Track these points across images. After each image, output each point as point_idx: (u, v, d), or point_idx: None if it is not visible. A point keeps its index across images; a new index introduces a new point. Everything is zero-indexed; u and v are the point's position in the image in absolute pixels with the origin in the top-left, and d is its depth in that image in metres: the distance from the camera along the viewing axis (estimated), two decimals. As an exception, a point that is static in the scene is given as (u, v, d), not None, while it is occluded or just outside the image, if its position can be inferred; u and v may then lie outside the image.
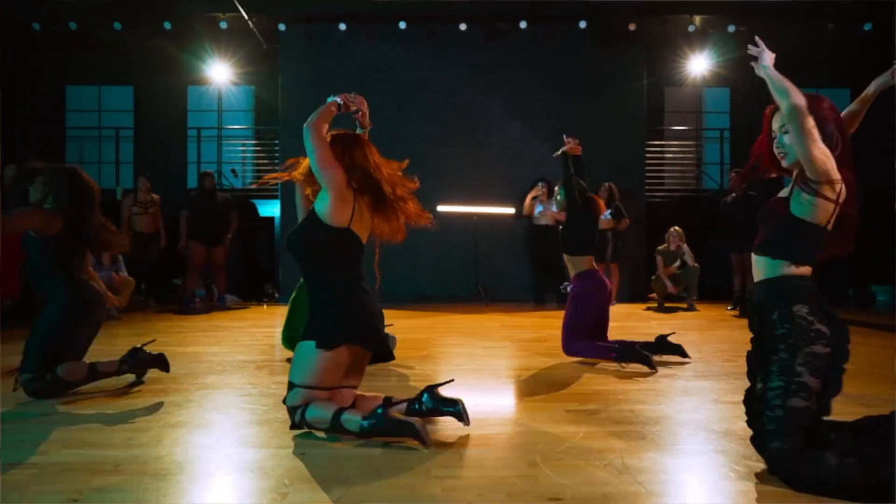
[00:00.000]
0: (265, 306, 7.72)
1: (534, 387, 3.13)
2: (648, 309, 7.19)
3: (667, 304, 7.25)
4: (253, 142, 9.64)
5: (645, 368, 3.55)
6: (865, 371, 3.52)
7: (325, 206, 2.26)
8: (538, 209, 7.77)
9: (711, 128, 9.55)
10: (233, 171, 9.16)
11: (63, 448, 2.14)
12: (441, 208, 7.80)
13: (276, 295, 8.22)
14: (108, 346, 3.81)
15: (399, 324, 4.76)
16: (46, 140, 9.33)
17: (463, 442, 2.20)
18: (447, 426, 2.36)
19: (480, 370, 3.59)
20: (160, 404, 2.72)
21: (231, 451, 2.12)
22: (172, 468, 1.94)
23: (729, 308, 6.99)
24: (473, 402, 2.80)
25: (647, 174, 8.74)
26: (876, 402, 2.82)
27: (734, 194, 7.07)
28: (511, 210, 7.90)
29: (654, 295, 7.43)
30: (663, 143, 9.21)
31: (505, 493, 1.75)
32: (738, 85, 9.51)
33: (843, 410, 2.61)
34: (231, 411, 2.65)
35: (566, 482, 1.83)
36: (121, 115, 9.63)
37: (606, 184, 7.62)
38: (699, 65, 9.09)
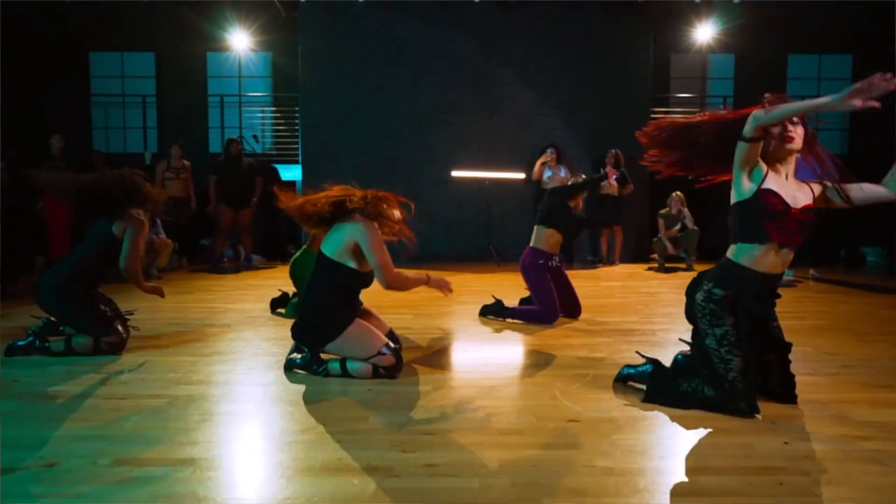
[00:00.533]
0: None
1: (548, 338, 3.62)
2: (650, 269, 7.66)
3: (667, 265, 7.71)
4: (272, 108, 9.95)
5: (646, 324, 4.05)
6: (838, 326, 4.01)
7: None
8: (547, 174, 8.14)
9: (716, 95, 9.81)
10: (254, 136, 9.52)
11: (178, 384, 2.65)
12: (455, 173, 8.21)
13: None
14: (151, 303, 4.22)
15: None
16: (72, 106, 9.67)
17: (496, 384, 2.71)
18: (486, 372, 2.87)
19: (501, 324, 4.08)
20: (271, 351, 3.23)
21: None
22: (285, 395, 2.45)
23: (725, 269, 7.46)
24: (497, 352, 3.31)
25: (653, 140, 9.07)
26: (841, 351, 3.31)
27: (734, 161, 7.44)
28: (521, 175, 8.28)
29: (654, 256, 7.89)
30: (667, 109, 9.50)
31: (535, 416, 2.26)
32: (742, 52, 9.75)
33: (809, 357, 3.11)
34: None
35: (581, 409, 2.34)
36: (143, 82, 9.94)
37: (613, 150, 7.99)
38: (705, 32, 9.32)
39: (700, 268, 7.59)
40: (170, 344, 3.39)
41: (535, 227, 4.23)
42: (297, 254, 4.47)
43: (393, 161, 8.53)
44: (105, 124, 10.05)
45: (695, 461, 1.87)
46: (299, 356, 2.86)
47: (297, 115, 9.19)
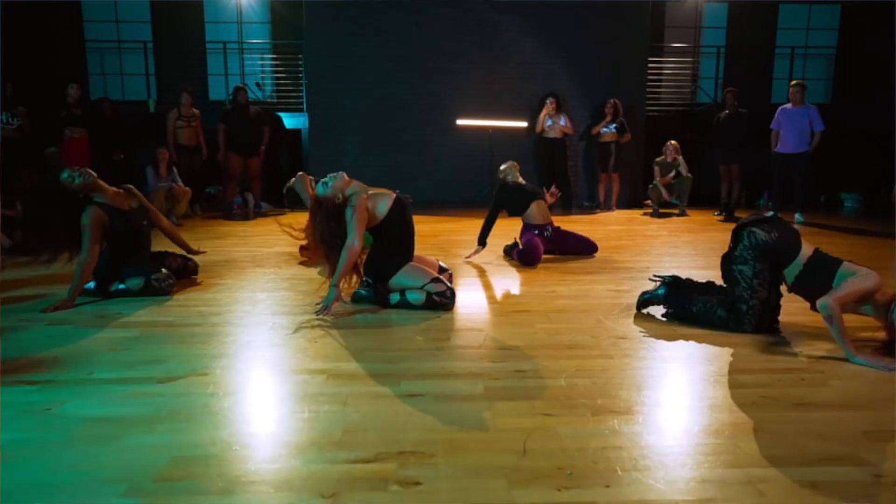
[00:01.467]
0: (298, 211, 8.45)
1: (576, 274, 4.02)
2: (645, 214, 8.09)
3: (661, 210, 8.15)
4: (272, 56, 9.93)
5: (658, 262, 4.48)
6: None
7: None
8: (548, 123, 8.42)
9: (708, 45, 10.06)
10: (257, 84, 9.55)
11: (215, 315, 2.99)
12: (460, 122, 8.43)
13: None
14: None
15: (424, 228, 5.27)
16: (66, 52, 9.53)
17: (545, 312, 3.11)
18: (531, 304, 3.27)
19: (527, 269, 4.46)
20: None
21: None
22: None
23: (716, 213, 7.92)
24: (534, 288, 3.69)
25: (647, 89, 9.35)
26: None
27: (727, 111, 7.80)
28: (523, 123, 8.54)
29: (649, 202, 8.31)
30: (662, 59, 9.74)
31: (589, 335, 2.67)
32: (736, 1, 9.96)
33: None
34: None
35: (623, 330, 2.75)
36: (139, 27, 9.80)
37: (612, 100, 8.26)
38: (701, -20, 9.50)
39: (692, 213, 8.11)
40: (235, 281, 3.70)
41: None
42: None
43: (398, 109, 8.70)
44: (102, 71, 9.95)
45: (731, 363, 2.30)
46: (364, 290, 3.23)
47: (299, 62, 9.22)
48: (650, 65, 9.42)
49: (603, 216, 7.91)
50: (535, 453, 1.61)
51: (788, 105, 7.02)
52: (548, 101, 8.36)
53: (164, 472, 1.51)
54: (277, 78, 9.92)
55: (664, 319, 2.89)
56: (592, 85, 8.71)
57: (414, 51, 8.61)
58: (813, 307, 2.52)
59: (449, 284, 3.17)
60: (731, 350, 2.46)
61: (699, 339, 2.59)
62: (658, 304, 2.98)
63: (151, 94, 9.43)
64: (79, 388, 2.03)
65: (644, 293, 3.07)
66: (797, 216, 7.03)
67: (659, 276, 3.05)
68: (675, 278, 3.02)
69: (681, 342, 2.56)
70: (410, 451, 1.62)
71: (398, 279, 3.15)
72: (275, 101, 9.74)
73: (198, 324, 2.83)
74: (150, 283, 3.36)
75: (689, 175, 8.12)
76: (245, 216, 7.80)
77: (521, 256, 4.40)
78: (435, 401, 1.95)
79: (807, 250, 2.63)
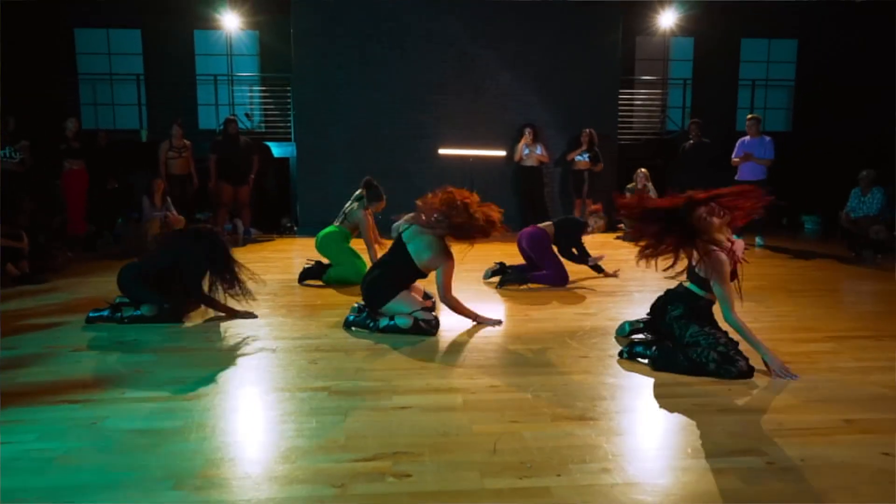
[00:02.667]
0: (286, 237, 8.80)
1: (544, 300, 4.42)
2: (618, 238, 8.56)
3: (633, 234, 8.63)
4: (260, 87, 10.33)
5: (624, 285, 4.90)
6: (774, 286, 4.93)
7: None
8: (525, 151, 8.89)
9: (676, 78, 10.67)
10: (247, 114, 9.93)
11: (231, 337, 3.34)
12: (442, 151, 8.88)
13: (295, 228, 9.29)
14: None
15: None
16: (58, 83, 9.82)
17: (517, 333, 3.50)
18: (506, 326, 3.66)
19: (505, 291, 4.85)
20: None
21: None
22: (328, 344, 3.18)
23: (684, 236, 8.41)
24: (509, 311, 4.06)
25: (619, 119, 9.90)
26: (776, 305, 4.22)
27: (692, 140, 8.34)
28: (502, 153, 9.00)
29: (622, 225, 8.79)
30: (633, 91, 10.32)
31: (555, 354, 3.06)
32: (700, 35, 10.61)
33: (750, 310, 3.99)
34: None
35: (587, 349, 3.15)
36: (131, 59, 10.15)
37: (587, 130, 8.78)
38: (668, 17, 10.12)
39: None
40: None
41: (551, 222, 5.16)
42: (328, 230, 5.13)
43: (382, 138, 9.12)
44: (93, 101, 10.26)
45: (674, 378, 2.69)
46: (353, 315, 3.58)
47: (287, 93, 9.62)
48: (622, 96, 9.99)
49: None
50: (504, 452, 1.99)
51: (747, 137, 7.57)
52: (526, 131, 8.85)
53: (201, 472, 1.85)
54: (266, 108, 10.32)
55: (623, 341, 3.29)
56: (567, 115, 9.23)
57: (398, 82, 9.07)
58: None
59: (433, 314, 3.54)
60: (674, 379, 2.86)
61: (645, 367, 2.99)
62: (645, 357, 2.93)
63: (143, 124, 9.75)
64: (116, 406, 2.37)
65: (635, 345, 2.99)
66: (757, 240, 7.54)
67: (640, 337, 3.17)
68: (651, 326, 3.18)
69: (632, 363, 2.96)
70: (403, 452, 1.98)
71: (392, 305, 3.50)
72: (263, 130, 10.12)
73: (207, 348, 3.17)
74: (164, 310, 3.67)
75: (658, 201, 8.62)
76: (235, 242, 8.11)
77: (557, 278, 4.82)
78: (422, 412, 2.32)
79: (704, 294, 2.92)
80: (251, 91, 10.39)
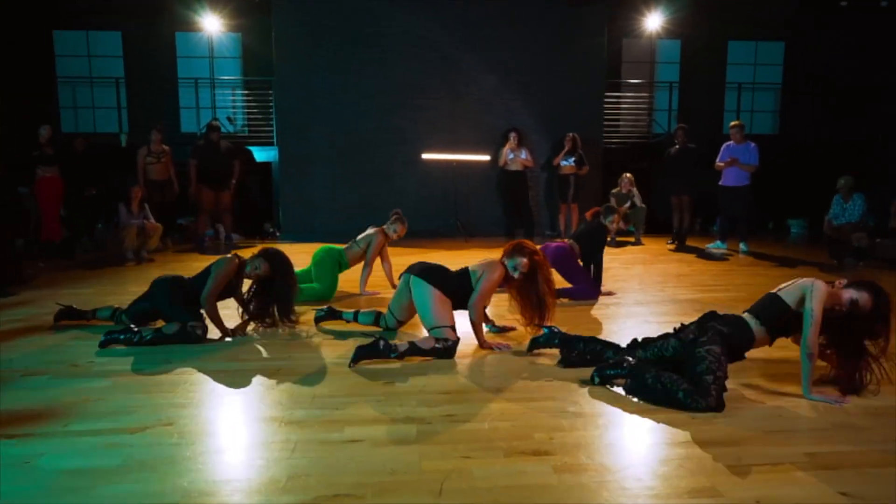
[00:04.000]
0: (268, 242, 8.69)
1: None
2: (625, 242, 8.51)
3: (618, 239, 8.57)
4: (243, 91, 10.22)
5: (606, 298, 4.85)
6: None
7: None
8: (509, 156, 8.82)
9: (663, 81, 10.61)
10: (228, 118, 9.81)
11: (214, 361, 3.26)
12: (425, 156, 8.80)
13: (277, 233, 9.19)
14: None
15: (393, 260, 5.33)
16: (36, 85, 9.68)
17: (491, 355, 3.43)
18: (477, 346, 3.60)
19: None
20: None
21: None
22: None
23: (668, 242, 8.36)
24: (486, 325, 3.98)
25: (605, 122, 9.84)
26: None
27: (678, 146, 8.29)
28: (486, 157, 8.93)
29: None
30: (619, 94, 10.26)
31: (521, 378, 2.99)
32: (687, 38, 10.55)
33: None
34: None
35: (556, 371, 3.08)
36: (111, 62, 10.02)
37: (571, 134, 8.71)
38: (654, 20, 10.06)
39: (647, 241, 8.55)
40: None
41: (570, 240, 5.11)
42: (333, 248, 4.99)
43: (365, 142, 9.03)
44: (73, 104, 10.12)
45: (637, 406, 2.62)
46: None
47: (269, 97, 9.52)
48: (608, 99, 9.93)
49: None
50: (450, 493, 1.91)
51: (731, 142, 7.52)
52: (510, 136, 8.78)
53: (130, 519, 1.77)
54: (249, 112, 10.21)
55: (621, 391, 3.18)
56: (552, 119, 9.16)
57: (380, 87, 8.97)
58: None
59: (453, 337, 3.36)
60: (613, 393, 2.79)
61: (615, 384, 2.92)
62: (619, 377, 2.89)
63: (124, 127, 9.63)
64: (55, 441, 2.28)
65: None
66: (741, 245, 7.50)
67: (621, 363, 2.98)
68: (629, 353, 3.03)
69: (598, 388, 2.89)
70: (344, 494, 1.90)
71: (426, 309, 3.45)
72: (246, 134, 10.02)
73: (164, 371, 3.08)
74: (186, 329, 3.56)
75: (644, 206, 8.57)
76: (217, 248, 8.01)
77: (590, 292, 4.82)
78: (372, 446, 2.24)
79: (756, 327, 2.86)
80: (234, 94, 10.28)
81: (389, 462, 2.11)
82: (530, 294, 3.53)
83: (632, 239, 8.60)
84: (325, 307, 4.09)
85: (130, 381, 2.95)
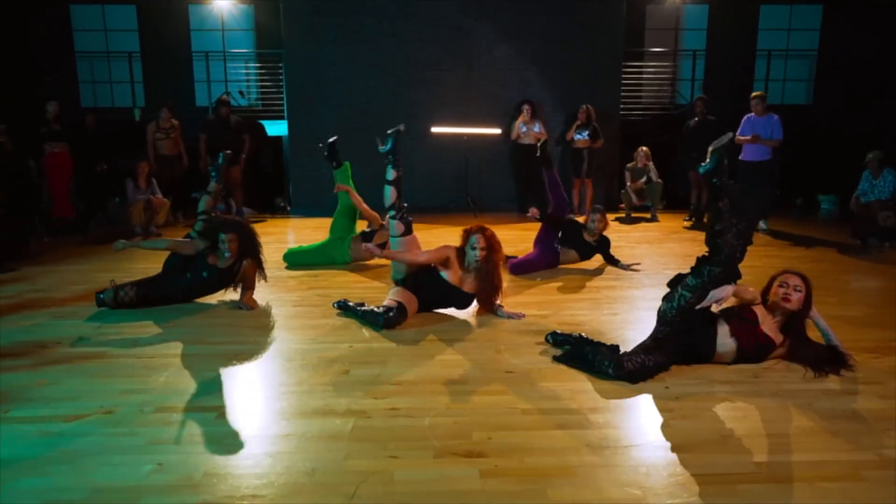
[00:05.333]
0: (279, 217, 8.71)
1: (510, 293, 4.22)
2: (616, 219, 8.23)
3: (634, 215, 8.28)
4: (256, 63, 10.14)
5: (596, 281, 4.67)
6: (760, 282, 4.62)
7: None
8: (522, 129, 8.55)
9: (687, 49, 10.09)
10: (240, 91, 9.77)
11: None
12: (435, 129, 8.60)
13: (288, 208, 9.19)
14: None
15: None
16: (56, 61, 9.79)
17: (453, 338, 3.32)
18: (446, 331, 3.48)
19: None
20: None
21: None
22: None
23: (685, 219, 8.03)
24: (456, 313, 3.87)
25: (625, 93, 9.44)
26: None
27: (697, 118, 7.90)
28: (497, 131, 8.68)
29: (623, 206, 8.46)
30: (642, 63, 9.81)
31: (480, 369, 2.88)
32: (715, 2, 9.97)
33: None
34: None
35: (517, 362, 2.95)
36: (127, 35, 10.04)
37: (585, 105, 8.38)
38: (680, -18, 9.53)
39: (664, 217, 8.23)
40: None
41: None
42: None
43: (374, 116, 8.85)
44: (91, 79, 10.22)
45: (590, 402, 2.49)
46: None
47: (280, 70, 9.42)
48: (630, 69, 9.51)
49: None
50: (363, 496, 1.83)
51: (752, 115, 7.11)
52: (523, 108, 8.50)
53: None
54: (262, 85, 10.14)
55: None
56: (567, 91, 8.82)
57: (390, 59, 8.77)
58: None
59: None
60: (602, 388, 2.65)
61: (577, 379, 2.78)
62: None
63: (138, 102, 9.68)
64: (-9, 428, 2.28)
65: (561, 335, 3.14)
66: (761, 223, 7.14)
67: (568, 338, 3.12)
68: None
69: (559, 383, 2.75)
70: (252, 495, 1.84)
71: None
72: (260, 107, 9.97)
73: (129, 355, 3.07)
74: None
75: (660, 181, 8.24)
76: (227, 222, 8.05)
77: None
78: (301, 441, 2.17)
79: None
80: (247, 68, 10.21)
81: (312, 460, 2.04)
82: (490, 276, 3.60)
83: (647, 215, 8.29)
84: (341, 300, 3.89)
85: (92, 365, 2.95)
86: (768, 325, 2.90)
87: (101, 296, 3.90)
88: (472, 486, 1.89)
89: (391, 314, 3.40)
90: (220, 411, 2.42)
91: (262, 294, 4.17)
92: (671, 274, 4.76)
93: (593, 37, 8.76)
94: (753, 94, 7.18)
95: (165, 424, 2.32)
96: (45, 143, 6.97)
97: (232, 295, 4.05)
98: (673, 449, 2.11)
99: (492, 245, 3.60)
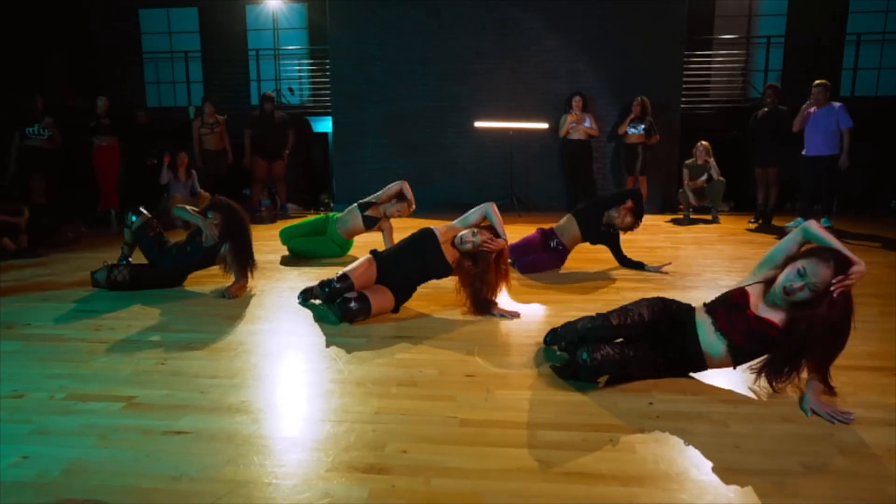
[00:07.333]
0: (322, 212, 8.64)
1: (526, 292, 3.83)
2: (671, 221, 7.55)
3: (693, 216, 7.57)
4: (308, 61, 10.21)
5: (618, 283, 4.16)
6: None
7: None
8: (571, 124, 8.05)
9: (762, 35, 9.21)
10: (290, 88, 9.86)
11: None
12: (478, 124, 8.26)
13: (332, 204, 9.12)
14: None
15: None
16: (126, 64, 10.28)
17: (429, 335, 2.97)
18: (422, 327, 3.14)
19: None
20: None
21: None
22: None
23: (751, 221, 7.24)
24: (443, 310, 3.52)
25: (692, 85, 8.71)
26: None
27: (765, 109, 7.11)
28: (544, 125, 8.22)
29: (682, 207, 7.75)
30: (711, 52, 9.03)
31: (439, 371, 2.51)
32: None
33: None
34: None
35: (485, 365, 2.57)
36: (189, 37, 10.39)
37: (639, 98, 7.79)
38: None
39: (726, 219, 7.46)
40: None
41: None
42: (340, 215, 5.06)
43: (419, 111, 8.65)
44: (157, 79, 10.65)
45: (551, 417, 2.07)
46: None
47: (328, 66, 9.40)
48: (695, 58, 8.79)
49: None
50: (216, 513, 1.53)
51: (813, 107, 6.30)
52: (573, 101, 8.00)
53: None
54: (313, 82, 10.19)
55: (543, 360, 2.67)
56: (622, 82, 8.24)
57: (435, 52, 8.53)
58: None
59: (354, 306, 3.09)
60: (571, 399, 2.22)
61: (545, 388, 2.37)
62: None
63: (195, 100, 9.97)
64: None
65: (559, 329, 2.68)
66: (823, 221, 6.30)
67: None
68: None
69: (520, 391, 2.35)
70: (94, 500, 1.58)
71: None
72: (311, 104, 10.01)
73: (84, 339, 2.95)
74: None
75: (722, 179, 7.48)
76: (272, 218, 8.08)
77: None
78: (192, 441, 1.90)
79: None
80: (300, 65, 10.29)
81: (183, 464, 1.76)
82: (487, 273, 3.24)
83: (708, 217, 7.56)
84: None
85: (41, 347, 2.83)
86: (764, 304, 2.22)
87: (96, 275, 3.90)
88: (353, 509, 1.55)
89: (352, 305, 3.08)
90: (131, 402, 2.20)
91: (260, 283, 4.01)
92: (710, 277, 4.25)
93: (651, 23, 8.14)
94: (817, 81, 6.34)
95: (64, 413, 2.12)
96: (94, 137, 7.22)
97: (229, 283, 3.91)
98: (623, 482, 1.67)
99: (500, 254, 3.30)
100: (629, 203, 4.38)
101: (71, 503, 1.58)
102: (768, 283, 2.25)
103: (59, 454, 1.83)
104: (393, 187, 4.88)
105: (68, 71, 9.59)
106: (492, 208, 3.42)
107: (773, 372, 2.15)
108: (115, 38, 10.29)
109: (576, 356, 2.29)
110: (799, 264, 2.11)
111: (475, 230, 3.30)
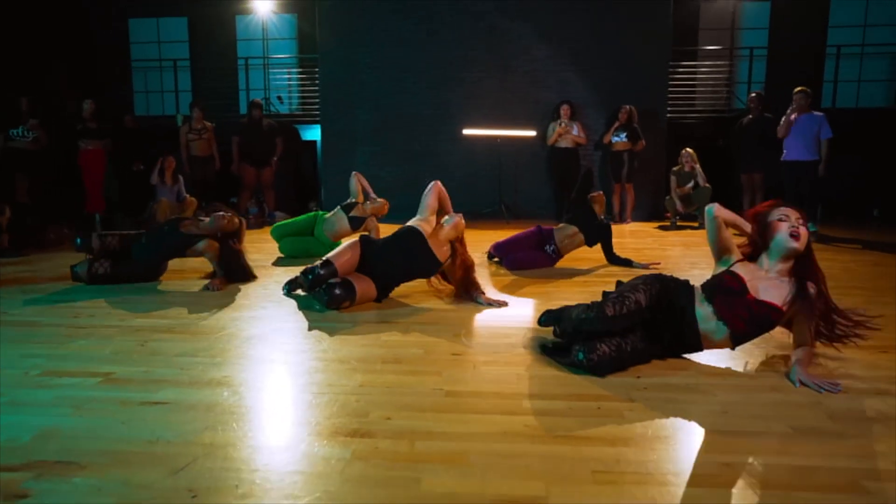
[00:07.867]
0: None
1: (524, 284, 3.81)
2: (659, 227, 7.59)
3: (680, 223, 7.62)
4: (297, 70, 10.24)
5: (606, 277, 4.15)
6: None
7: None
8: (564, 127, 8.07)
9: (745, 46, 9.38)
10: (278, 97, 9.87)
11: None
12: (466, 131, 8.30)
13: (320, 211, 9.08)
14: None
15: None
16: (114, 72, 10.26)
17: (423, 320, 2.94)
18: (407, 314, 3.10)
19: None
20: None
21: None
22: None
23: (737, 226, 7.29)
24: (434, 295, 3.49)
25: (677, 95, 8.82)
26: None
27: (750, 116, 7.20)
28: (533, 133, 8.27)
29: (669, 214, 7.80)
30: (696, 63, 9.18)
31: (424, 350, 2.48)
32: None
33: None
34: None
35: (470, 345, 2.54)
36: (178, 46, 10.41)
37: (626, 106, 7.86)
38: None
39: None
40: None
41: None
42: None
43: (407, 118, 8.68)
44: (145, 88, 10.63)
45: (535, 388, 2.05)
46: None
47: (317, 75, 9.44)
48: (681, 68, 8.92)
49: (615, 229, 7.48)
50: (191, 471, 1.48)
51: (794, 113, 6.40)
52: (561, 110, 8.07)
53: None
54: (303, 91, 10.22)
55: (533, 340, 2.64)
56: (609, 92, 8.33)
57: (424, 60, 8.59)
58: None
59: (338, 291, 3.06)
60: (556, 374, 2.20)
61: (533, 365, 2.34)
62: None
63: (182, 109, 9.94)
64: None
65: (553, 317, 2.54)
66: (809, 226, 6.35)
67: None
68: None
69: (508, 367, 2.32)
70: (68, 462, 1.53)
71: None
72: (300, 113, 10.02)
73: (59, 325, 2.88)
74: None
75: (708, 186, 7.54)
76: (259, 224, 8.02)
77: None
78: (172, 410, 1.86)
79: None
80: (289, 75, 10.32)
81: (161, 429, 1.71)
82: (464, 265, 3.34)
83: (695, 224, 7.61)
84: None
85: (15, 331, 2.76)
86: (764, 282, 2.24)
87: (77, 269, 3.82)
88: (331, 469, 1.50)
89: (337, 291, 3.05)
90: (108, 377, 2.15)
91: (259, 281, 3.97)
92: (697, 274, 4.25)
93: (638, 34, 8.25)
94: (798, 88, 6.43)
95: (38, 387, 2.06)
96: (80, 140, 7.17)
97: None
98: (610, 443, 1.64)
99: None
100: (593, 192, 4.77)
101: (41, 464, 1.52)
102: (747, 258, 2.30)
103: (31, 421, 1.77)
104: (353, 184, 5.02)
105: (68, 73, 9.55)
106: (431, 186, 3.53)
107: (826, 333, 2.27)
108: (111, 41, 10.28)
109: (571, 352, 2.22)
110: (776, 215, 2.31)
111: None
